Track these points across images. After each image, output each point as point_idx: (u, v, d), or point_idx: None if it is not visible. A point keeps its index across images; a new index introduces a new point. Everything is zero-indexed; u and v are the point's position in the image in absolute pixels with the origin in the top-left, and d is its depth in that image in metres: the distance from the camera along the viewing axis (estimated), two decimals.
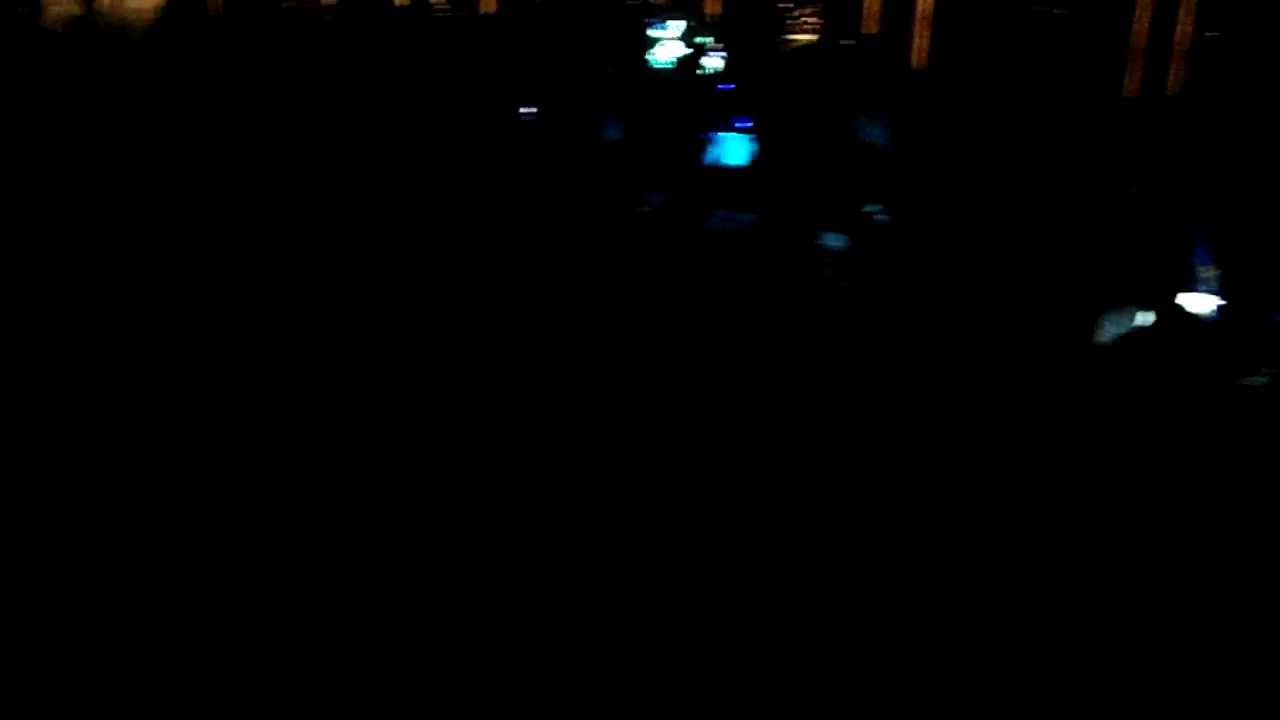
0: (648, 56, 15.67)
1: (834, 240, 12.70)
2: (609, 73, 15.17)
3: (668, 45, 15.79)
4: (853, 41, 19.76)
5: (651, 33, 15.77)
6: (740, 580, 7.46)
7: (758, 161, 13.44)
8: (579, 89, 15.36)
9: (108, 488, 8.11)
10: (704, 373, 9.99)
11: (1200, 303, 10.59)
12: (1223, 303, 10.32)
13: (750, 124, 14.06)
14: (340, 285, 11.43)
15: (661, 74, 15.34)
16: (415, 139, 15.00)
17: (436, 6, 27.18)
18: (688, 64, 14.54)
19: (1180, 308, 10.34)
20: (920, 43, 21.84)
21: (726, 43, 16.34)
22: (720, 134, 13.64)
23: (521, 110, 14.89)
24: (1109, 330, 10.75)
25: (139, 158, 13.86)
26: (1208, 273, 10.26)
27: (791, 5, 25.47)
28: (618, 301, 11.38)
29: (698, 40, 15.36)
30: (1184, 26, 20.93)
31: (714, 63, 15.11)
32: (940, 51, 21.49)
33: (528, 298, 11.31)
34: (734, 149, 13.61)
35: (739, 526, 8.00)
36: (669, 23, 15.61)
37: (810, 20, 25.22)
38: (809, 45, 18.99)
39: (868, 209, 12.43)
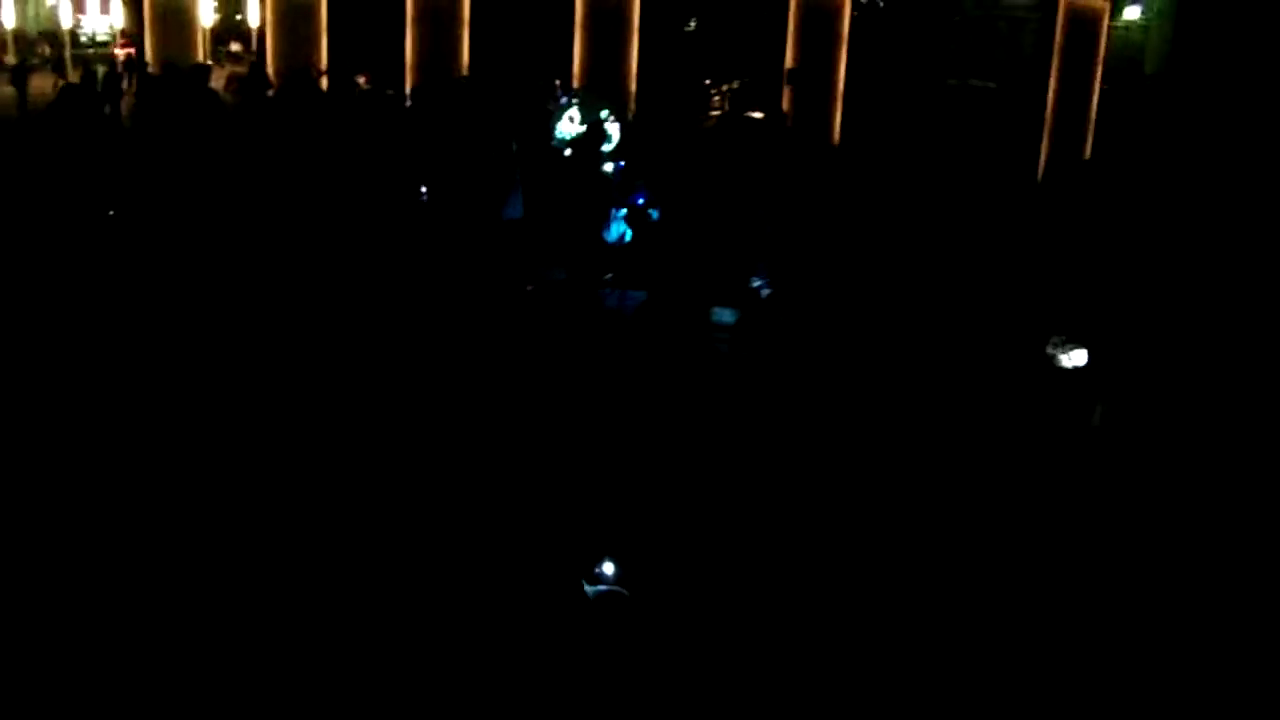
0: (552, 132, 15.69)
1: (725, 315, 12.65)
2: (511, 150, 15.15)
3: (566, 123, 15.85)
4: (760, 116, 19.91)
5: (556, 111, 15.83)
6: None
7: (650, 237, 13.38)
8: (478, 167, 15.32)
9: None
10: (606, 444, 9.85)
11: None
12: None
13: (643, 200, 14.04)
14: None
15: (560, 151, 15.33)
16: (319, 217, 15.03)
17: (361, 87, 27.33)
18: (586, 141, 14.54)
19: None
20: (835, 118, 22.05)
21: (622, 120, 16.42)
22: (614, 210, 13.61)
23: (421, 189, 14.85)
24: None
25: None
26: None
27: (710, 83, 25.81)
28: (512, 379, 11.22)
29: (596, 117, 15.39)
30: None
31: (610, 139, 15.11)
32: (853, 127, 21.73)
33: (419, 369, 11.17)
34: (626, 225, 13.58)
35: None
36: (568, 100, 15.68)
37: (729, 96, 25.54)
38: (719, 120, 19.11)
39: (754, 283, 12.39)
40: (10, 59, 32.72)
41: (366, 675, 6.60)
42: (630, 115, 22.95)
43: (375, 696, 6.35)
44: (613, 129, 15.25)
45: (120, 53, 30.63)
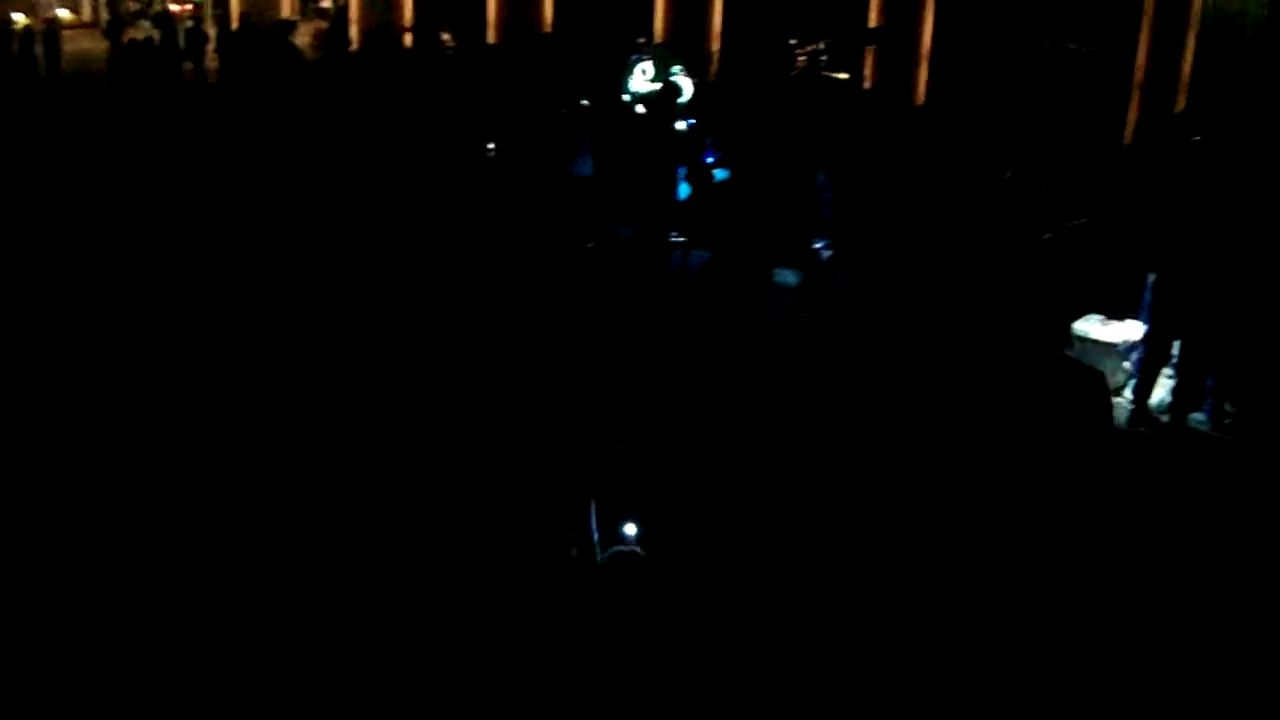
0: (624, 87, 15.42)
1: (788, 276, 12.41)
2: (564, 111, 14.98)
3: (638, 78, 15.55)
4: (847, 76, 19.42)
5: (628, 65, 15.54)
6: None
7: (715, 196, 13.13)
8: (546, 123, 15.19)
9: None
10: (669, 404, 9.68)
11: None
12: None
13: (711, 159, 13.78)
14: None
15: (630, 107, 15.06)
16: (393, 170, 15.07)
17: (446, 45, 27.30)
18: (658, 98, 14.27)
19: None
20: (919, 80, 21.55)
21: (700, 76, 16.08)
22: (683, 168, 13.37)
23: (488, 145, 14.73)
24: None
25: None
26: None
27: (796, 42, 25.33)
28: (579, 334, 11.07)
29: (670, 75, 15.08)
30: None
31: (683, 94, 14.81)
32: (940, 90, 21.21)
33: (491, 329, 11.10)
34: (688, 183, 13.34)
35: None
36: (639, 56, 15.38)
37: (818, 56, 25.04)
38: (795, 80, 18.68)
39: (815, 244, 12.13)
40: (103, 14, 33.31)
41: (382, 630, 6.51)
42: (711, 73, 22.67)
43: (388, 658, 6.25)
44: (686, 84, 14.94)
45: (176, 8, 30.89)
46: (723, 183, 13.08)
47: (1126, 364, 10.60)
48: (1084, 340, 10.71)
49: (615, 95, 15.38)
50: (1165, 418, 10.18)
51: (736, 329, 11.49)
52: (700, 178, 13.12)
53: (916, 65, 21.82)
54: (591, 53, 18.82)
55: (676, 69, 14.92)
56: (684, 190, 13.47)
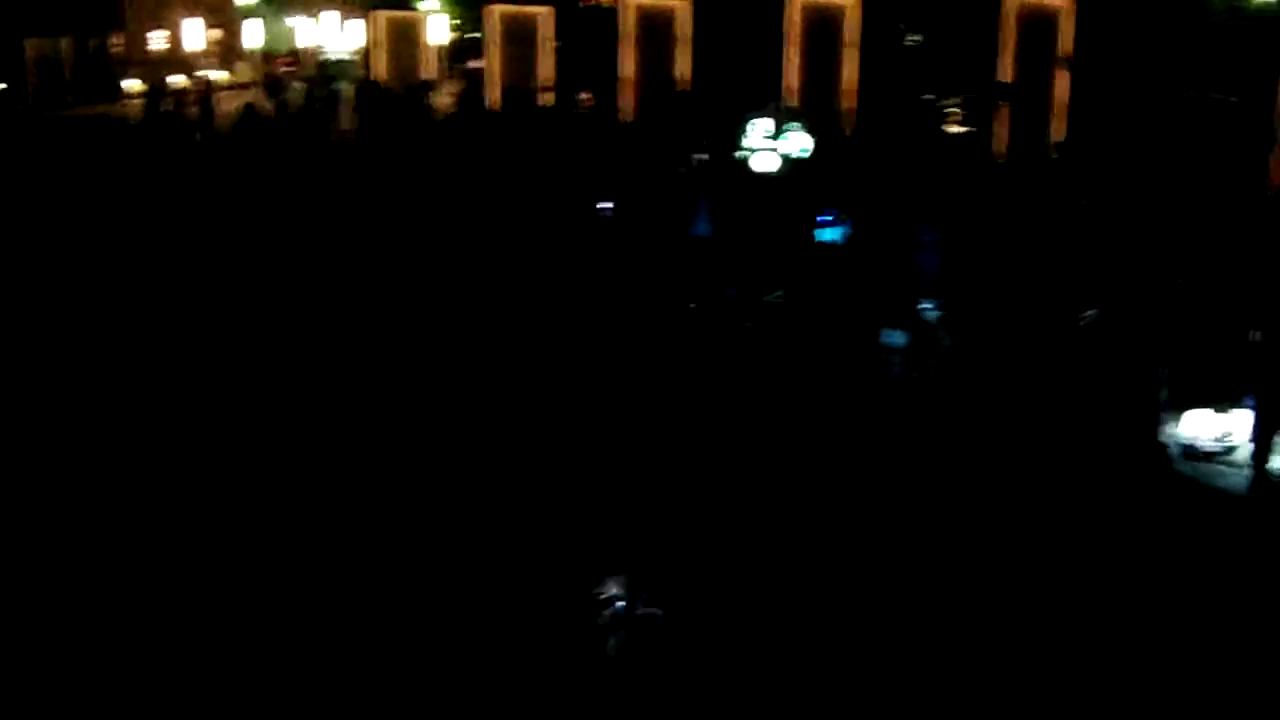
0: (740, 151, 15.50)
1: (897, 337, 12.29)
2: (684, 170, 15.07)
3: (756, 138, 15.58)
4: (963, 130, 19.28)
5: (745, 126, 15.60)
6: None
7: (825, 255, 13.09)
8: (663, 183, 15.31)
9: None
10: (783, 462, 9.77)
11: None
12: None
13: (831, 218, 13.74)
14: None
15: (743, 164, 15.10)
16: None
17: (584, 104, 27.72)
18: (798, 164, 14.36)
19: None
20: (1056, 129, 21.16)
21: (830, 132, 16.02)
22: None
23: (599, 205, 14.89)
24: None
25: None
26: None
27: (934, 98, 25.16)
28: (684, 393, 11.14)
29: (789, 132, 15.10)
30: None
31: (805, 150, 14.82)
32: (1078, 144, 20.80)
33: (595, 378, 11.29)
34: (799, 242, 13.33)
35: None
36: (761, 115, 15.43)
37: (958, 111, 24.82)
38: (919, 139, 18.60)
39: (922, 305, 12.01)
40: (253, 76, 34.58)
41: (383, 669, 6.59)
42: (846, 130, 22.61)
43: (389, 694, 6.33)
44: (804, 142, 14.94)
45: (285, 70, 31.80)
46: (830, 243, 13.00)
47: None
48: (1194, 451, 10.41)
49: (732, 154, 15.45)
50: None
51: (839, 388, 11.44)
52: (803, 238, 13.08)
53: (1050, 120, 21.49)
54: (723, 112, 18.93)
55: (795, 126, 14.93)
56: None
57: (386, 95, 23.65)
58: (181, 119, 26.26)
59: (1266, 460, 9.86)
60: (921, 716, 6.76)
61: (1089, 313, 10.78)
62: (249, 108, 24.54)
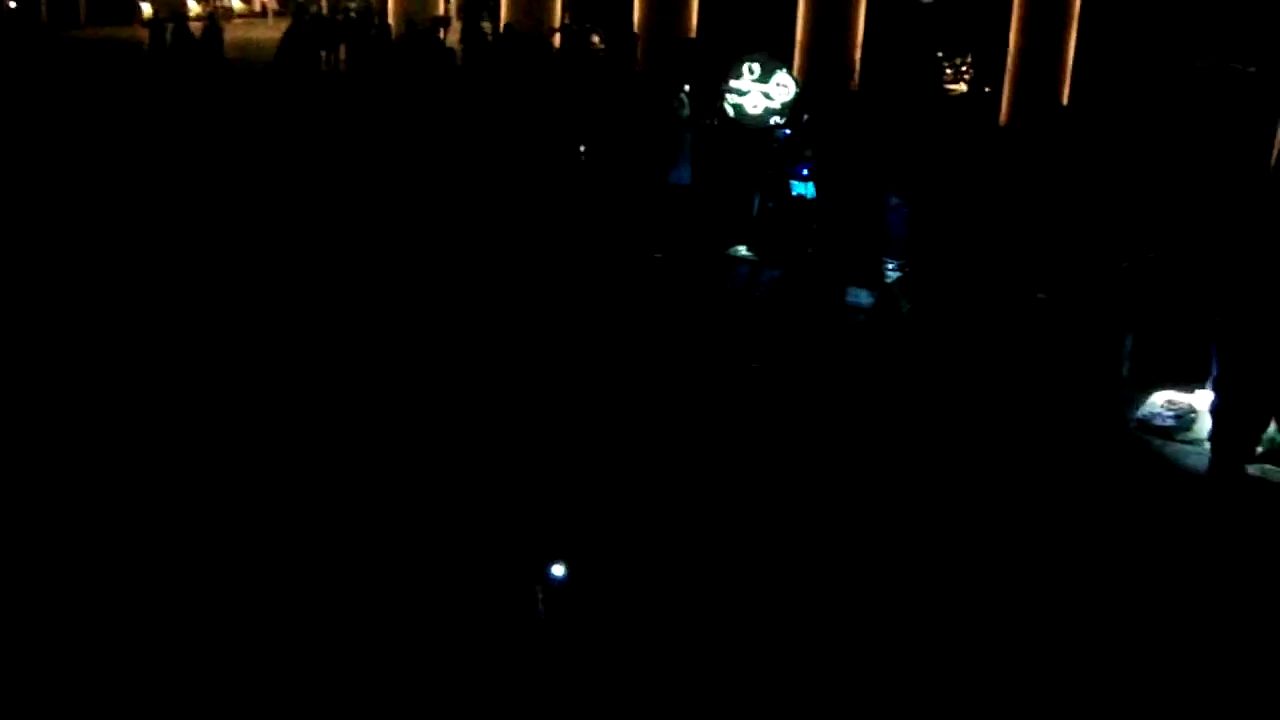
0: (726, 96, 15.12)
1: (861, 296, 12.05)
2: (680, 115, 14.80)
3: (745, 79, 15.17)
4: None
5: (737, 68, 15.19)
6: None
7: (794, 211, 12.79)
8: (643, 129, 15.02)
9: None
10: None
11: None
12: None
13: (806, 171, 13.42)
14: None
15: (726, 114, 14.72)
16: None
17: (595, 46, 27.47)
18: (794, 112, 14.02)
19: None
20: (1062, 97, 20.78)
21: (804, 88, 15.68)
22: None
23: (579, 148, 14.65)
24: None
25: None
26: None
27: (942, 56, 24.81)
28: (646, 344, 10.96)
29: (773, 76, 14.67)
30: None
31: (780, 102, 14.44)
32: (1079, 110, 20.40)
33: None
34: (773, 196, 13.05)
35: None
36: (753, 58, 15.00)
37: (964, 69, 24.48)
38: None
39: (888, 266, 11.76)
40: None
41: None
42: (852, 83, 22.30)
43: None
44: (786, 90, 14.53)
45: None
46: (801, 198, 12.71)
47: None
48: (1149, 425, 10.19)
49: (717, 100, 15.10)
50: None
51: (799, 345, 11.22)
52: (779, 191, 12.80)
53: (1060, 81, 21.10)
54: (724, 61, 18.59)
55: (780, 71, 14.54)
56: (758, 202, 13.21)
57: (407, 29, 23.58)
58: (189, 47, 26.06)
59: (1225, 440, 9.60)
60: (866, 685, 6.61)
61: (1042, 294, 10.53)
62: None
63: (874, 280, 11.85)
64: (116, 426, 8.84)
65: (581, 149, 14.83)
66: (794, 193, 12.95)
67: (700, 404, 9.77)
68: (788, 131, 14.11)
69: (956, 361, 10.28)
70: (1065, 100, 20.70)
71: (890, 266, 11.92)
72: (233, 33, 28.44)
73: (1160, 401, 10.39)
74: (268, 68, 24.36)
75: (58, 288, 11.66)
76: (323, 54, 26.23)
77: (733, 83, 14.77)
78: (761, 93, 14.70)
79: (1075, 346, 10.20)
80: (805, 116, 14.72)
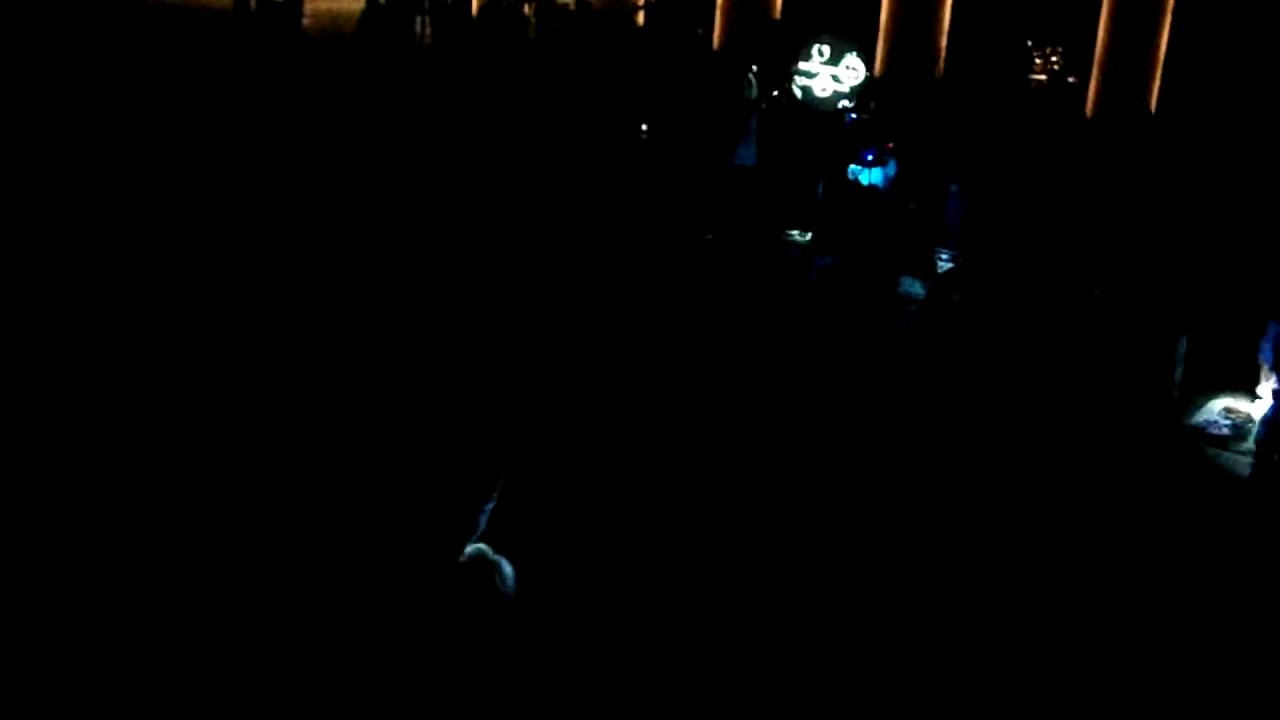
0: (796, 78, 14.83)
1: (914, 286, 11.75)
2: (747, 96, 14.55)
3: (814, 61, 14.87)
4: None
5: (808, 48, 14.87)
6: None
7: (853, 199, 12.50)
8: (707, 110, 14.79)
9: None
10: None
11: None
12: None
13: (871, 156, 13.12)
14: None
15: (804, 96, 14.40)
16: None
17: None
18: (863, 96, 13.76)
19: None
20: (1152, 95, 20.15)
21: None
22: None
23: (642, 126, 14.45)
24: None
25: None
26: None
27: (1032, 44, 24.18)
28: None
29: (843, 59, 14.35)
30: None
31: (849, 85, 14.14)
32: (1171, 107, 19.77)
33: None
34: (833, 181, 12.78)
35: None
36: (823, 39, 14.68)
37: (1053, 60, 23.88)
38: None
39: (939, 255, 11.45)
40: None
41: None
42: (938, 71, 21.84)
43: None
44: (856, 72, 14.21)
45: None
46: (864, 184, 12.40)
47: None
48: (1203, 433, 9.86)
49: (785, 81, 14.81)
50: None
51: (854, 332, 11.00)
52: (842, 177, 12.51)
53: (1150, 78, 20.45)
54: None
55: (850, 54, 14.23)
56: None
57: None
58: (273, 17, 25.95)
59: (1273, 448, 9.25)
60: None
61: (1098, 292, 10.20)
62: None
63: (926, 270, 11.56)
64: (116, 415, 8.73)
65: (644, 128, 14.60)
66: (863, 182, 12.67)
67: (728, 391, 9.57)
68: (854, 116, 13.83)
69: (1002, 357, 9.99)
70: (1155, 95, 20.11)
71: (943, 257, 11.62)
72: (314, 3, 28.31)
73: (1218, 409, 10.07)
74: (349, 40, 24.25)
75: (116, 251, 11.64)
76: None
77: (802, 64, 14.50)
78: (830, 75, 14.43)
79: (1128, 347, 9.86)
80: (873, 104, 14.43)
